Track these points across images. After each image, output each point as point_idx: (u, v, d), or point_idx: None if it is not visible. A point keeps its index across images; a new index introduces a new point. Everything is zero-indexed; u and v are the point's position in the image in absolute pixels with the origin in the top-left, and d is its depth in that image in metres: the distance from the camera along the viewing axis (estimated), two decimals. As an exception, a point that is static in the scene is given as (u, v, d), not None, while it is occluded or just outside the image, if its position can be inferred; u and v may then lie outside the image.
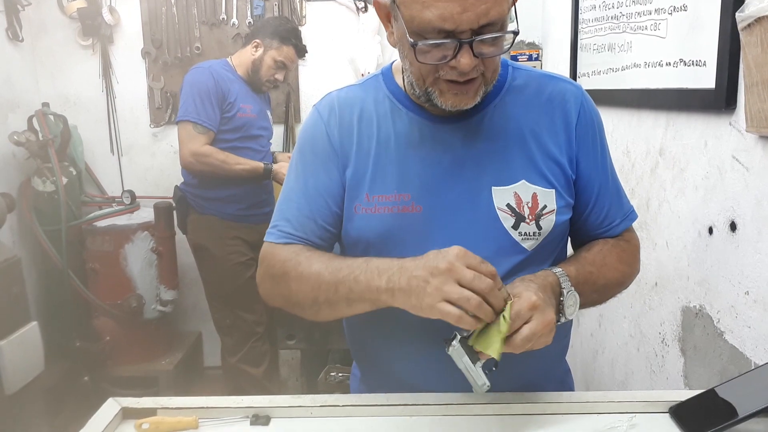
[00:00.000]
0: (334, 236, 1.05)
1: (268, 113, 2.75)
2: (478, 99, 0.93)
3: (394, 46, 0.96)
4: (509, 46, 0.88)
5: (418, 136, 1.00)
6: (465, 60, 0.85)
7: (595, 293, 1.01)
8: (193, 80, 2.47)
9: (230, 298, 2.63)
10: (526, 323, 0.83)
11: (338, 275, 0.92)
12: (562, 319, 0.92)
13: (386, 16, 0.93)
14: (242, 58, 2.61)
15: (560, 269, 0.95)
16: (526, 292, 0.85)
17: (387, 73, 1.06)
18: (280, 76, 2.61)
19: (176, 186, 2.69)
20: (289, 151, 3.08)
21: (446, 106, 0.93)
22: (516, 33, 0.87)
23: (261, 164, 2.53)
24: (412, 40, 0.86)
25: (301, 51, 2.63)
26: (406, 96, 1.02)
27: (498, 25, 0.85)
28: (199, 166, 2.48)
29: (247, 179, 2.54)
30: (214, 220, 2.59)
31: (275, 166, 2.54)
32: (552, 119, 1.01)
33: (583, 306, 0.96)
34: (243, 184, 2.56)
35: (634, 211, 1.11)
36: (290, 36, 2.58)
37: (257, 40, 2.57)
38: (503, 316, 0.82)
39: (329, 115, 1.04)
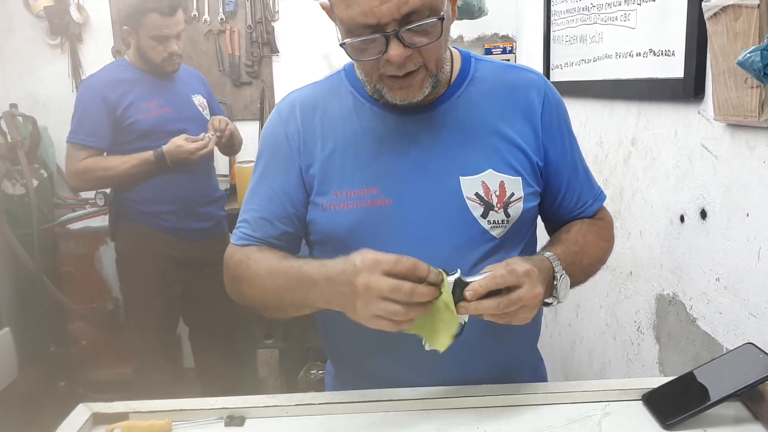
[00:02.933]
0: (294, 236, 1.05)
1: (200, 99, 2.43)
2: (426, 91, 0.93)
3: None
4: (440, 34, 0.88)
5: (384, 130, 1.00)
6: (394, 51, 0.86)
7: (582, 273, 1.03)
8: (77, 98, 2.30)
9: (145, 316, 2.41)
10: (517, 287, 0.83)
11: (279, 282, 0.95)
12: (555, 303, 0.94)
13: (333, 19, 0.94)
14: (133, 51, 2.31)
15: (550, 253, 0.96)
16: (523, 262, 0.87)
17: (349, 70, 1.06)
18: (172, 48, 2.24)
19: (113, 190, 2.45)
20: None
21: (395, 101, 0.94)
22: (442, 19, 0.87)
23: (150, 152, 2.22)
24: (341, 40, 0.88)
25: (169, 11, 2.19)
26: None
27: (424, 12, 0.85)
28: (86, 184, 2.36)
29: (145, 173, 2.25)
30: (146, 231, 2.34)
31: (165, 147, 2.21)
32: (516, 108, 1.02)
33: (571, 287, 0.98)
34: (144, 178, 2.26)
35: (603, 191, 1.14)
36: (146, 2, 2.18)
37: (125, 27, 2.26)
38: (442, 300, 0.82)
39: (288, 116, 1.04)
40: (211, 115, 2.44)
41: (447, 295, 0.83)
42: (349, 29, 0.87)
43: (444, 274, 0.83)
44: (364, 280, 0.81)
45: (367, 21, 0.84)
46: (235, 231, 1.07)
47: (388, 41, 0.85)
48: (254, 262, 1.00)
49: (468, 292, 0.83)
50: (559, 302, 0.95)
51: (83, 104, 2.25)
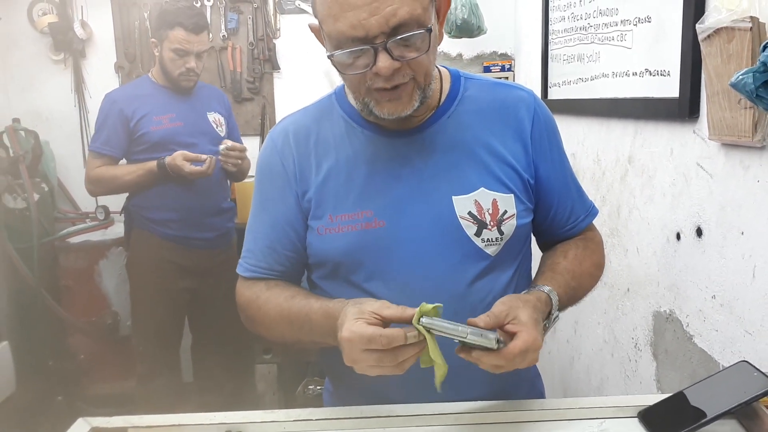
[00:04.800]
0: (298, 261, 1.07)
1: (216, 116, 2.53)
2: (415, 104, 0.94)
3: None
4: (428, 47, 0.89)
5: (375, 153, 1.01)
6: (383, 64, 0.86)
7: (572, 302, 1.06)
8: (99, 109, 2.43)
9: (149, 323, 2.50)
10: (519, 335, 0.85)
11: (290, 327, 1.00)
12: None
13: (321, 38, 0.95)
14: (156, 67, 2.46)
15: (550, 288, 0.98)
16: (530, 326, 0.86)
17: (340, 93, 1.07)
18: (191, 65, 2.35)
19: (127, 198, 2.58)
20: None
21: (383, 115, 0.94)
22: (429, 30, 0.88)
23: (153, 163, 2.33)
24: (328, 52, 0.89)
25: (194, 28, 2.30)
26: (359, 114, 1.03)
27: (412, 25, 0.86)
28: (98, 189, 2.48)
29: (149, 181, 2.36)
30: (151, 238, 2.45)
31: (168, 158, 2.30)
32: (506, 126, 1.03)
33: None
34: (149, 187, 2.38)
35: (594, 206, 1.15)
36: (175, 17, 2.30)
37: (153, 39, 2.41)
38: (420, 332, 0.83)
39: (283, 144, 1.05)
40: (227, 134, 2.56)
41: (432, 347, 0.83)
42: (338, 43, 0.88)
43: (427, 333, 0.83)
44: (351, 358, 0.85)
45: (355, 34, 0.85)
46: (240, 261, 1.09)
47: (377, 54, 0.86)
48: (264, 302, 1.03)
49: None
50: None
51: (103, 115, 2.41)
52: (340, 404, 1.08)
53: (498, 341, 0.83)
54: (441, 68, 1.06)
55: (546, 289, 0.97)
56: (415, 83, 0.92)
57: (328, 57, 0.90)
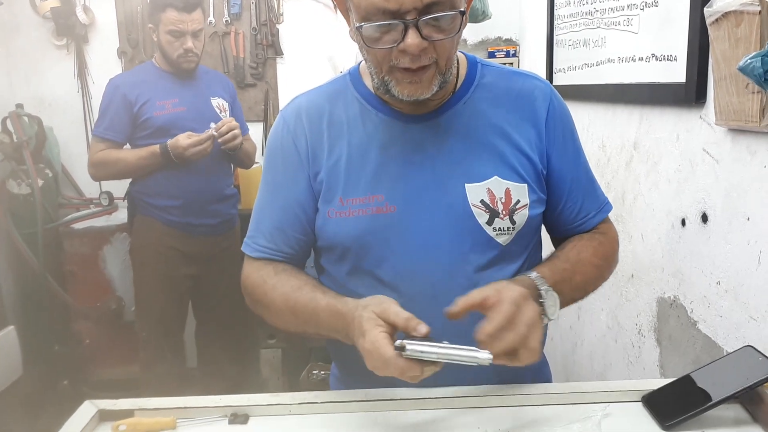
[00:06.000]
0: (307, 243, 1.07)
1: (219, 101, 2.52)
2: (434, 89, 0.93)
3: (354, 40, 0.95)
4: (458, 30, 0.88)
5: (389, 137, 1.00)
6: (412, 41, 0.85)
7: (576, 291, 1.02)
8: (103, 94, 2.43)
9: (152, 309, 2.50)
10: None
11: (296, 317, 0.99)
12: (545, 320, 0.92)
13: (345, 10, 0.94)
14: (158, 53, 2.46)
15: (534, 273, 0.95)
16: (510, 285, 0.87)
17: (354, 74, 1.06)
18: (188, 45, 2.34)
19: (130, 183, 2.57)
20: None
21: (403, 96, 0.92)
22: (463, 13, 0.87)
23: (156, 146, 2.34)
24: (357, 24, 0.87)
25: (185, 7, 2.30)
26: (374, 97, 1.02)
27: (446, 5, 0.85)
28: (101, 173, 2.48)
29: (152, 165, 2.36)
30: (154, 224, 2.45)
31: (170, 141, 2.31)
32: (521, 115, 1.02)
33: (564, 304, 0.97)
34: (152, 171, 2.38)
35: (609, 203, 1.12)
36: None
37: (150, 25, 2.42)
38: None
39: (296, 124, 1.04)
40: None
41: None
42: (366, 15, 0.86)
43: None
44: (371, 366, 0.84)
45: (388, 6, 0.83)
46: (247, 241, 1.07)
47: (407, 30, 0.85)
48: (271, 288, 1.01)
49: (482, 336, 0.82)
50: (549, 320, 0.93)
51: (107, 101, 2.41)
52: (347, 388, 1.09)
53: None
54: (459, 53, 1.05)
55: (531, 274, 0.95)
56: (437, 67, 0.91)
57: (356, 28, 0.88)
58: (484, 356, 0.80)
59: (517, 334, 0.82)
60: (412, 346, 0.79)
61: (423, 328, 0.82)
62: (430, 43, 0.87)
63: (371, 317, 0.84)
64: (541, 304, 0.91)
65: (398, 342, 0.80)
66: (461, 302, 0.86)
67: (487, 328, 0.82)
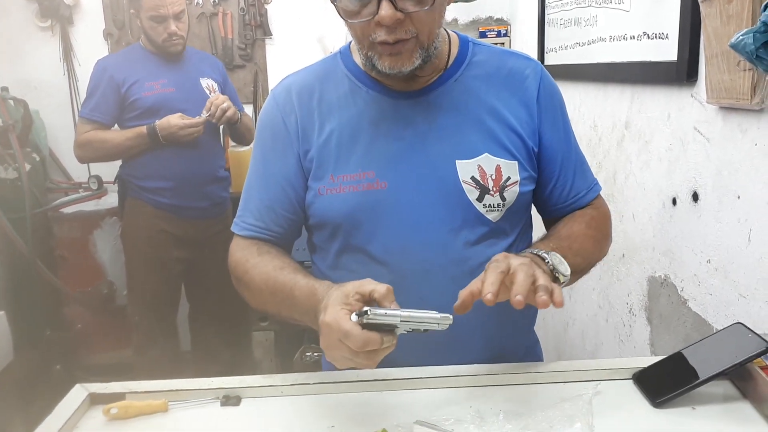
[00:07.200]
0: (296, 222, 1.06)
1: (209, 82, 2.49)
2: (416, 62, 0.92)
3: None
4: (432, 1, 0.87)
5: (379, 113, 1.00)
6: (385, 12, 0.85)
7: (576, 257, 0.99)
8: (90, 76, 2.40)
9: (144, 293, 2.49)
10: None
11: (273, 298, 0.97)
12: (563, 279, 0.92)
13: None
14: (144, 36, 2.42)
15: (528, 250, 0.95)
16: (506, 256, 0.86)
17: (345, 52, 1.06)
18: (171, 29, 2.31)
19: (120, 166, 2.55)
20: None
21: (385, 69, 0.93)
22: None
23: (143, 127, 2.31)
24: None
25: None
26: (364, 74, 1.02)
27: None
28: (87, 154, 2.45)
29: (139, 146, 2.34)
30: (145, 207, 2.43)
31: (159, 122, 2.29)
32: (512, 93, 1.02)
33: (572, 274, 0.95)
34: (139, 152, 2.36)
35: (598, 183, 1.13)
36: None
37: (132, 10, 2.42)
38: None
39: (285, 102, 1.04)
40: None
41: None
42: None
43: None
44: (330, 356, 0.81)
45: None
46: (236, 220, 1.07)
47: (380, 2, 0.85)
48: (252, 267, 1.00)
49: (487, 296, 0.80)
50: (565, 277, 0.92)
51: (94, 82, 2.39)
52: (339, 370, 1.09)
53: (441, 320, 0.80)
54: (450, 32, 1.05)
55: (526, 251, 0.94)
56: (417, 41, 0.91)
57: (333, 2, 0.89)
58: (444, 318, 0.80)
59: (527, 274, 0.82)
60: (375, 311, 0.78)
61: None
62: (407, 15, 0.87)
63: (339, 297, 0.81)
64: (548, 264, 0.90)
65: (359, 310, 0.78)
66: (463, 294, 0.83)
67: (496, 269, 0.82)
